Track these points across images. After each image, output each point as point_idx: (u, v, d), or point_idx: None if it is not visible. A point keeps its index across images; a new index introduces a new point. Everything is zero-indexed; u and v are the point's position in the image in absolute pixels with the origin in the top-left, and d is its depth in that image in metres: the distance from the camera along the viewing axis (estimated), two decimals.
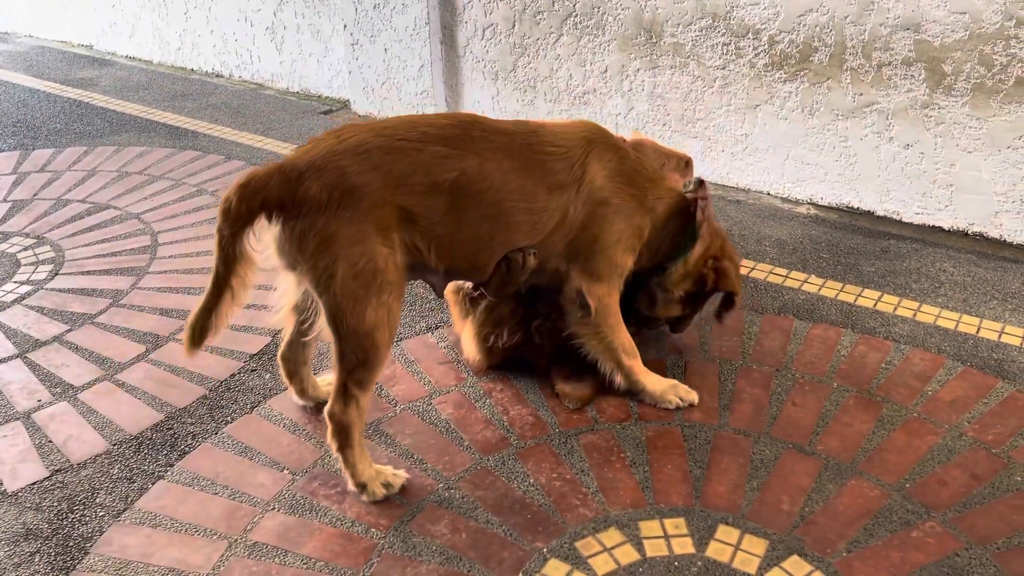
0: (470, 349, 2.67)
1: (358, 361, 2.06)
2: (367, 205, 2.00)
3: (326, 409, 2.12)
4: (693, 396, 2.51)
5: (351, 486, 2.18)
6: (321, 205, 1.97)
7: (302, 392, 2.52)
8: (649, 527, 2.09)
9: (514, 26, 4.46)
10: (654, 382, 2.52)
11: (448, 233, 2.16)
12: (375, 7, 4.80)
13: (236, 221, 1.99)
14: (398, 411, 2.52)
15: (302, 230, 1.98)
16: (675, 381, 2.55)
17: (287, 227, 2.00)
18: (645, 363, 2.56)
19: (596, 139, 2.37)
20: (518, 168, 2.20)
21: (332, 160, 2.00)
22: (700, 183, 2.50)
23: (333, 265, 1.98)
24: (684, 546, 2.03)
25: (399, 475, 2.22)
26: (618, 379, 2.52)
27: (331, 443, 2.15)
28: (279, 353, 2.47)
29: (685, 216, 2.50)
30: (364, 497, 2.17)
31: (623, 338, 2.49)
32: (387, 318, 2.06)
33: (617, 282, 2.44)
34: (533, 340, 2.60)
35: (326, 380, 2.51)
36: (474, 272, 2.33)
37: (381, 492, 2.17)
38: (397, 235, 2.07)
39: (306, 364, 2.48)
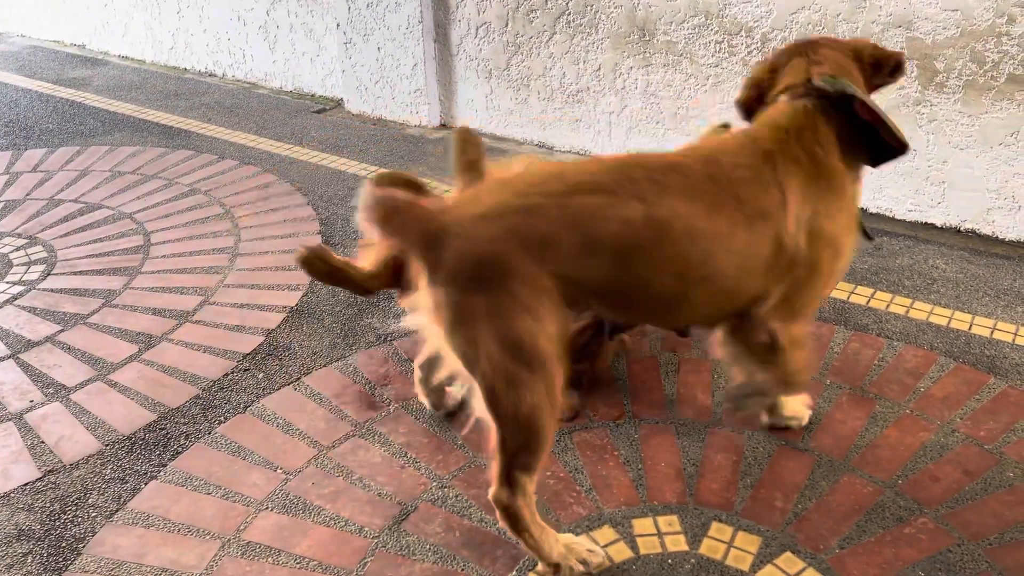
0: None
1: (519, 446, 1.80)
2: (507, 276, 1.70)
3: (492, 494, 1.87)
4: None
5: (540, 569, 1.95)
6: (455, 278, 1.71)
7: (437, 404, 2.41)
8: (642, 524, 2.09)
9: (507, 24, 4.45)
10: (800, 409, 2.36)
11: (624, 295, 1.84)
12: (368, 6, 4.80)
13: (374, 212, 1.72)
14: (391, 410, 2.52)
15: (437, 300, 1.74)
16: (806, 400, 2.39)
17: (426, 289, 1.76)
18: (638, 359, 2.56)
19: (774, 149, 1.93)
20: (704, 209, 1.81)
21: (466, 226, 1.72)
22: None
23: (473, 346, 1.73)
24: (677, 543, 2.03)
25: (596, 552, 1.97)
26: (765, 415, 2.34)
27: (503, 526, 1.92)
28: (417, 361, 2.29)
29: None
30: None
31: (803, 376, 2.18)
32: (547, 397, 1.77)
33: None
34: None
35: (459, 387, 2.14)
36: (673, 326, 2.06)
37: (579, 569, 1.93)
38: (547, 305, 1.74)
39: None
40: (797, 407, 2.39)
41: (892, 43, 3.42)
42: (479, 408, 1.81)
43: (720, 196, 1.83)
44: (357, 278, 2.32)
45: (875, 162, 2.09)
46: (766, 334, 2.00)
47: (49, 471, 2.32)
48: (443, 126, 4.95)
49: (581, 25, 4.21)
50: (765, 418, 2.38)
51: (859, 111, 1.97)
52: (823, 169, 1.96)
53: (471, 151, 2.32)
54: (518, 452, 1.81)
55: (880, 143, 2.02)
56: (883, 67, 2.14)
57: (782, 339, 2.01)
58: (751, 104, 2.21)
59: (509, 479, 1.84)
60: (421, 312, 1.81)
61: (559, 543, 1.93)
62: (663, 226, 1.77)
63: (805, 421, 2.39)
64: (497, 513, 1.90)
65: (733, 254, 1.85)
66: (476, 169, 2.25)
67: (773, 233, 1.88)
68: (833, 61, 2.07)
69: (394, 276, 2.33)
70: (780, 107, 2.04)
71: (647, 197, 1.77)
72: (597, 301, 1.86)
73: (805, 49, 2.11)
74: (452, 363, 1.82)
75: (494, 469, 1.85)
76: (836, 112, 1.99)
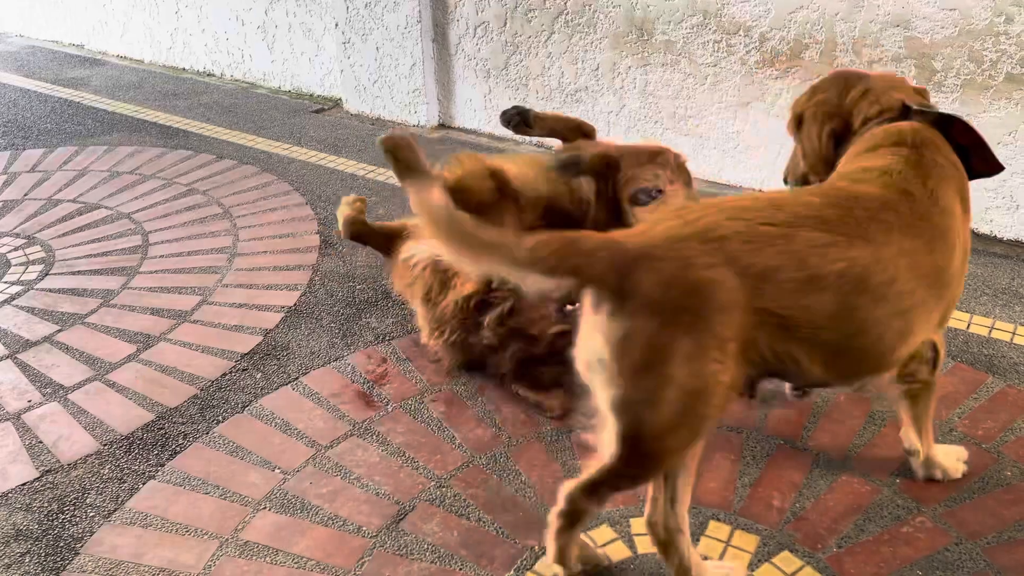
0: (430, 345, 2.64)
1: (631, 475, 1.71)
2: (714, 308, 1.52)
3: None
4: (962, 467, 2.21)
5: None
6: (654, 305, 1.51)
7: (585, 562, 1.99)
8: (641, 524, 2.08)
9: (506, 24, 4.45)
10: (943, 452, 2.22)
11: (841, 339, 1.66)
12: (366, 5, 4.79)
13: (538, 264, 1.53)
14: (389, 409, 2.52)
15: (626, 333, 1.52)
16: (959, 448, 2.27)
17: (607, 321, 1.55)
18: None
19: (921, 166, 1.84)
20: (924, 247, 1.72)
21: (674, 247, 1.54)
22: None
23: (658, 390, 1.54)
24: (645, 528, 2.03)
25: (736, 570, 1.92)
26: (919, 457, 2.17)
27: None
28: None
29: None
30: None
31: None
32: (686, 444, 1.64)
33: None
34: (484, 338, 2.48)
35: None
36: (874, 374, 1.87)
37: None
38: (736, 346, 1.57)
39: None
40: (952, 463, 2.22)
41: (890, 42, 3.42)
42: (604, 439, 1.66)
43: (933, 233, 1.75)
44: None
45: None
46: (928, 347, 1.96)
47: (47, 471, 2.32)
48: (442, 126, 4.95)
49: (579, 25, 4.21)
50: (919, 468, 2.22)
51: (959, 133, 1.94)
52: (962, 174, 1.92)
53: (405, 154, 2.27)
54: (622, 480, 1.72)
55: (970, 165, 1.98)
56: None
57: (941, 349, 2.02)
58: (840, 134, 2.10)
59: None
60: (587, 351, 1.60)
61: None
62: (890, 265, 1.66)
63: (956, 476, 2.22)
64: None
65: (946, 287, 1.79)
66: (418, 170, 2.00)
67: (962, 250, 1.84)
68: (896, 90, 2.04)
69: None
70: (889, 130, 1.95)
71: (874, 238, 1.66)
72: (804, 350, 1.66)
73: (856, 81, 2.08)
74: (605, 402, 1.62)
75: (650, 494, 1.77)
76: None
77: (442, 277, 2.57)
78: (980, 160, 1.96)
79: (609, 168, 2.65)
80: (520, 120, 2.91)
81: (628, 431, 1.60)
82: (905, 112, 1.97)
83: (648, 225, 1.65)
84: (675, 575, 1.83)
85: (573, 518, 1.80)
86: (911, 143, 1.88)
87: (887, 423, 2.41)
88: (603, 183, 2.67)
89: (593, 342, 1.58)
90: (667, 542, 1.80)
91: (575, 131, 2.98)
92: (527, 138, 4.62)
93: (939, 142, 1.91)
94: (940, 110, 1.98)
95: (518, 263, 1.53)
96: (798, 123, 2.19)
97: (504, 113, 2.92)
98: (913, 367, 2.03)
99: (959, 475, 2.21)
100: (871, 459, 2.27)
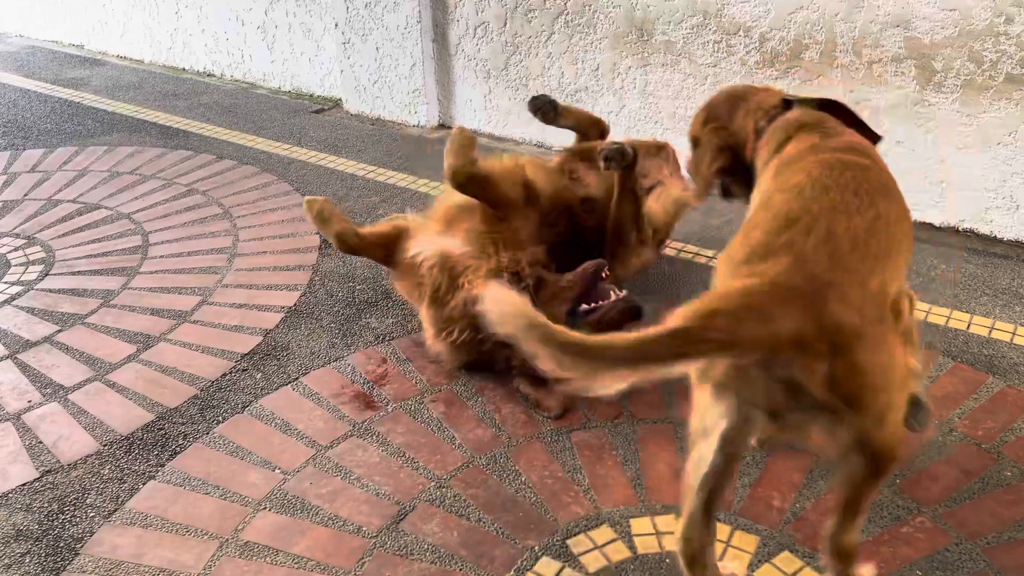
0: (434, 346, 2.63)
1: (883, 479, 1.64)
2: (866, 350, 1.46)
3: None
4: None
5: None
6: (857, 332, 1.42)
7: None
8: (641, 524, 2.09)
9: (506, 24, 4.45)
10: None
11: None
12: (366, 6, 4.79)
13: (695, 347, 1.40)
14: (389, 410, 2.52)
15: (843, 371, 1.42)
16: None
17: (810, 369, 1.42)
18: None
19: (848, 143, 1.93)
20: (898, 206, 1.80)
21: (840, 264, 1.48)
22: None
23: (888, 405, 1.49)
24: (676, 543, 2.03)
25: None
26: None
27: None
28: (680, 533, 1.71)
29: None
30: None
31: None
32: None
33: None
34: (488, 339, 2.44)
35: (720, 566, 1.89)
36: None
37: None
38: None
39: (712, 541, 1.76)
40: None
41: (890, 43, 3.42)
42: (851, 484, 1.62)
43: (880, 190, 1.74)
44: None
45: None
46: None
47: (47, 471, 2.32)
48: (442, 126, 4.95)
49: (579, 25, 4.21)
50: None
51: (840, 115, 2.02)
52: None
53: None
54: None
55: None
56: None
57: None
58: (731, 165, 2.17)
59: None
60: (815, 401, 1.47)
61: None
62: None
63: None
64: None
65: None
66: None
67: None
68: (771, 93, 2.14)
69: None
70: (788, 119, 2.00)
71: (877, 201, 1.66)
72: None
73: (741, 101, 2.16)
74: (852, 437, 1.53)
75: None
76: None
77: (451, 275, 2.55)
78: (866, 131, 2.05)
79: (635, 161, 2.80)
80: (550, 108, 3.12)
81: (876, 459, 1.55)
82: (787, 105, 2.06)
83: (755, 269, 1.53)
84: None
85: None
86: (812, 124, 1.95)
87: None
88: (629, 175, 2.80)
89: (816, 392, 1.45)
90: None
91: (595, 126, 3.23)
92: (526, 139, 4.62)
93: (831, 120, 1.98)
94: (817, 97, 2.08)
95: (661, 357, 1.38)
96: (694, 145, 2.30)
97: (535, 100, 3.12)
98: None
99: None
100: None
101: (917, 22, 3.34)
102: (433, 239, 2.65)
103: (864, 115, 3.49)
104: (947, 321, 2.91)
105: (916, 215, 3.61)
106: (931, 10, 3.29)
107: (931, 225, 3.59)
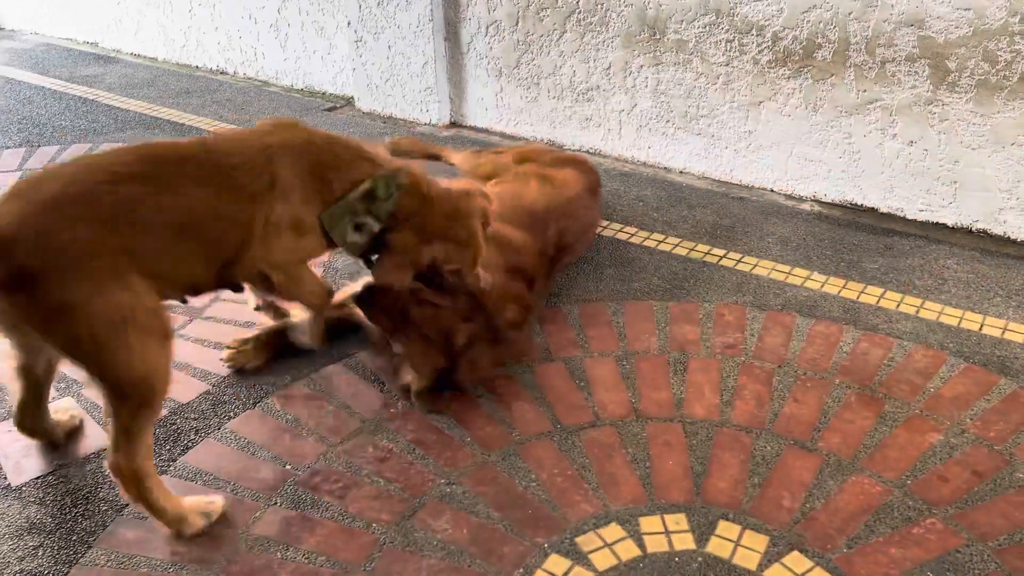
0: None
1: (137, 406, 1.97)
2: (87, 256, 1.89)
3: (109, 465, 2.02)
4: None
5: (166, 531, 2.08)
6: (37, 274, 1.84)
7: (55, 436, 2.42)
8: (650, 523, 2.09)
9: (517, 23, 4.46)
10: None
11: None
12: (379, 4, 4.81)
13: None
14: (400, 407, 2.53)
15: (25, 306, 1.87)
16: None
17: (7, 303, 1.88)
18: (646, 358, 2.54)
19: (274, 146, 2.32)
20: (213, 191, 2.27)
21: (30, 224, 1.86)
22: None
23: (75, 328, 1.88)
24: (685, 542, 2.03)
25: (215, 502, 2.15)
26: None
27: (126, 494, 2.04)
28: (15, 421, 2.32)
29: None
30: (185, 531, 2.07)
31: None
32: (156, 356, 1.98)
33: None
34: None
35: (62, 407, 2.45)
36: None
37: (202, 522, 2.09)
38: (137, 279, 1.97)
39: (45, 416, 2.36)
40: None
41: (904, 42, 3.41)
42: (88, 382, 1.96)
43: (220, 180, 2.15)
44: None
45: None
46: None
47: (60, 465, 2.34)
48: (453, 124, 4.96)
49: (591, 24, 4.21)
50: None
51: None
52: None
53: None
54: (137, 411, 1.98)
55: None
56: None
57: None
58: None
59: (128, 441, 1.99)
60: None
61: (181, 502, 2.09)
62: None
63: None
64: (120, 483, 2.02)
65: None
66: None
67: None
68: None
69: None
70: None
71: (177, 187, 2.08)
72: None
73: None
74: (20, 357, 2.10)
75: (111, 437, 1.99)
76: None
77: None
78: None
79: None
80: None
81: (89, 369, 1.93)
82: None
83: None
84: (146, 507, 2.06)
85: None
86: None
87: (898, 424, 2.40)
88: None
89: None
90: (133, 480, 2.03)
91: None
92: (537, 137, 4.63)
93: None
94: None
95: None
96: None
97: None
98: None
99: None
100: (882, 460, 2.27)
101: (931, 21, 3.33)
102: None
103: (877, 115, 3.51)
104: (960, 322, 2.90)
105: (929, 215, 3.61)
106: (945, 9, 3.28)
107: (944, 225, 3.58)
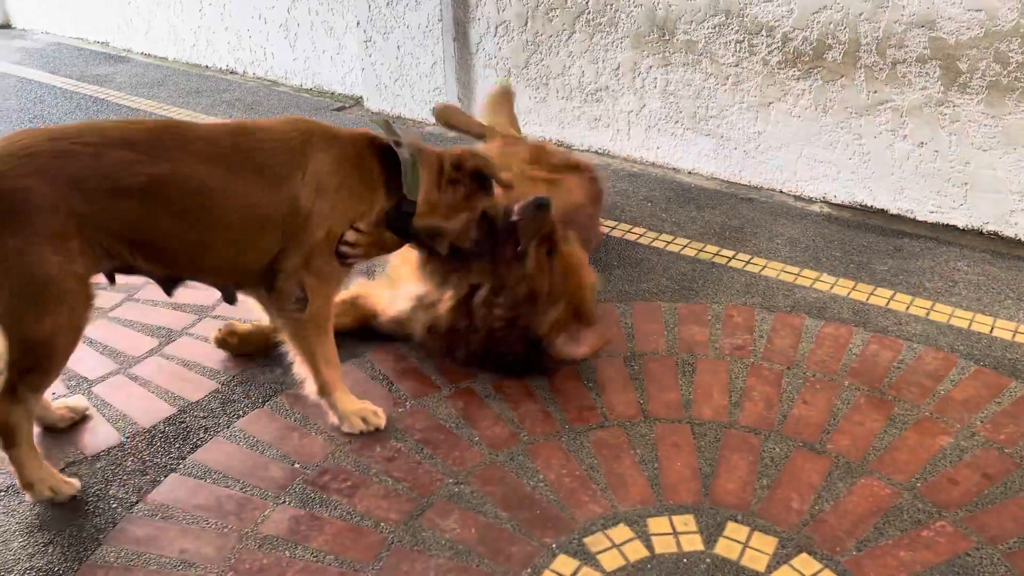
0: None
1: (32, 366, 2.02)
2: (32, 209, 1.89)
3: None
4: (380, 420, 2.42)
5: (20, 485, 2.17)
6: None
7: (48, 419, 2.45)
8: (658, 524, 2.09)
9: (527, 23, 4.46)
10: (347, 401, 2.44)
11: (157, 239, 2.14)
12: (388, 4, 4.82)
13: None
14: (408, 406, 2.53)
15: None
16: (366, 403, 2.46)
17: None
18: (655, 359, 2.55)
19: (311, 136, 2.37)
20: (243, 183, 2.27)
21: None
22: None
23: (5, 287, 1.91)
24: (693, 543, 2.03)
25: (71, 483, 2.20)
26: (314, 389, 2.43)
27: None
28: None
29: None
30: (29, 496, 2.17)
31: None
32: (66, 325, 2.01)
33: None
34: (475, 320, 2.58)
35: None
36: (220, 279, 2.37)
37: (48, 494, 2.16)
38: (77, 243, 1.98)
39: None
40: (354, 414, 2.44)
41: (915, 43, 3.39)
42: None
43: (253, 170, 2.15)
44: None
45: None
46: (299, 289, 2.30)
47: (71, 463, 2.35)
48: None
49: (600, 24, 4.21)
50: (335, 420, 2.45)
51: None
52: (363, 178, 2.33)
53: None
54: (29, 372, 2.02)
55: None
56: None
57: (309, 292, 2.30)
58: None
59: (14, 395, 2.03)
60: None
61: (42, 468, 2.16)
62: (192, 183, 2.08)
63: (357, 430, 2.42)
64: None
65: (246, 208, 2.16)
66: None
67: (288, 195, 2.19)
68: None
69: None
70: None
71: (173, 157, 2.06)
72: (124, 246, 2.08)
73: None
74: None
75: None
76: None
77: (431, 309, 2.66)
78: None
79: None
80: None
81: (20, 332, 1.96)
82: None
83: None
84: (11, 461, 2.13)
85: (10, 433, 2.08)
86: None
87: (908, 426, 2.39)
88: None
89: None
90: (8, 431, 2.08)
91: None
92: (546, 137, 4.63)
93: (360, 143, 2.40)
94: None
95: None
96: None
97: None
98: (281, 302, 2.32)
99: (357, 430, 2.41)
100: (891, 462, 2.26)
101: (942, 22, 3.31)
102: (396, 296, 2.78)
103: (887, 116, 3.50)
104: (970, 324, 2.88)
105: (940, 217, 3.59)
106: (956, 10, 3.26)
107: (955, 227, 3.56)
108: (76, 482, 2.22)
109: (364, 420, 2.41)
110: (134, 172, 2.01)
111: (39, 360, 2.02)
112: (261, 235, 2.21)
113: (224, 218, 2.15)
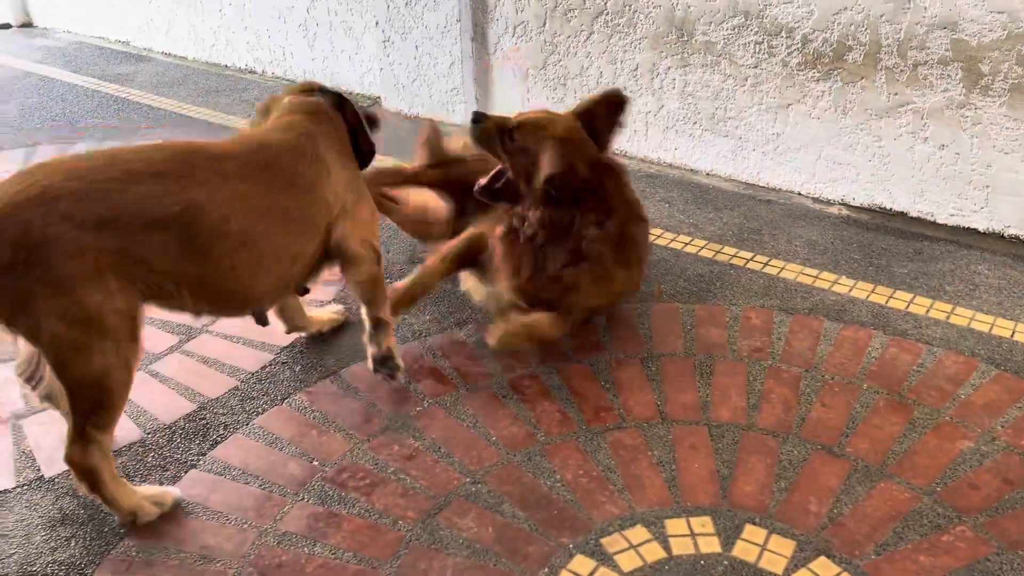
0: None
1: (93, 406, 1.99)
2: (63, 256, 1.87)
3: (64, 456, 2.04)
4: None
5: (119, 519, 2.13)
6: (6, 264, 1.84)
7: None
8: (675, 525, 2.09)
9: (545, 24, 4.46)
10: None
11: (194, 270, 2.10)
12: (407, 4, 4.83)
13: None
14: (426, 405, 2.54)
15: None
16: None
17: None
18: (672, 360, 2.54)
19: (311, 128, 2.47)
20: (264, 189, 2.33)
21: (10, 214, 1.85)
22: None
23: (36, 323, 1.89)
24: (710, 545, 2.03)
25: (168, 492, 2.18)
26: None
27: (81, 486, 2.08)
28: (18, 371, 2.26)
29: None
30: (140, 520, 2.12)
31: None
32: (116, 362, 1.97)
33: None
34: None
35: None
36: (247, 306, 2.39)
37: (155, 510, 2.14)
38: (116, 281, 1.95)
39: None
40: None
41: (937, 44, 3.37)
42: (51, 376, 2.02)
43: (281, 175, 2.23)
44: None
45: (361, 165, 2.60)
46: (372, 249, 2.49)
47: None
48: None
49: (619, 25, 4.21)
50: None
51: (350, 115, 2.53)
52: (346, 146, 2.51)
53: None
54: (91, 412, 1.99)
55: (357, 142, 2.55)
56: None
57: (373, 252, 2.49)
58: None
59: (83, 437, 2.01)
60: None
61: (135, 493, 2.12)
62: (224, 206, 2.08)
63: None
64: (74, 475, 2.06)
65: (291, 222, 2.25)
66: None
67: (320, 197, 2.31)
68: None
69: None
70: (293, 101, 2.47)
71: (206, 180, 2.07)
72: (165, 279, 2.05)
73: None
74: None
75: (69, 430, 2.02)
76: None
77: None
78: (363, 138, 2.56)
79: None
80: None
81: (50, 361, 1.96)
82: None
83: None
84: (102, 499, 2.09)
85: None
86: (307, 111, 2.42)
87: (928, 430, 2.38)
88: None
89: None
90: (85, 474, 2.06)
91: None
92: None
93: (331, 114, 2.47)
94: (339, 91, 2.55)
95: None
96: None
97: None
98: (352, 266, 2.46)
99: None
100: (911, 466, 2.25)
101: (964, 24, 3.29)
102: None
103: (907, 118, 3.48)
104: (991, 328, 2.86)
105: (960, 220, 3.56)
106: (979, 12, 3.24)
107: (975, 231, 3.53)
108: (174, 490, 2.20)
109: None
110: (166, 203, 2.00)
111: (99, 400, 1.99)
112: (310, 243, 2.32)
113: (271, 236, 2.18)
